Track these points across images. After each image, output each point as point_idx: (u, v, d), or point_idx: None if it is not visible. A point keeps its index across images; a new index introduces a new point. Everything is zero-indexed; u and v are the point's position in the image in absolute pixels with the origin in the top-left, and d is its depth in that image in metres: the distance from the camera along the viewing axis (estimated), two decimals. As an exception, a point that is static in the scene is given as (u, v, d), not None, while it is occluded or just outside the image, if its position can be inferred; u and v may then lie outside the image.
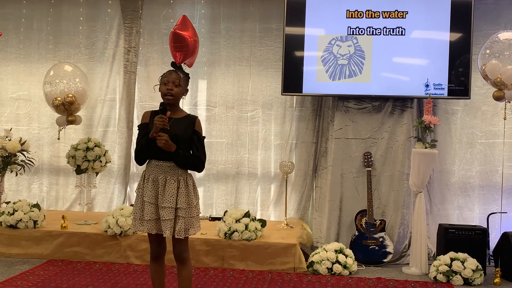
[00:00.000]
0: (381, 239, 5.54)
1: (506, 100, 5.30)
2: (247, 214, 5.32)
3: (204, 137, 3.55)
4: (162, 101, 3.45)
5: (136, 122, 6.53)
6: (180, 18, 5.75)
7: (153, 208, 3.41)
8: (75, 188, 5.98)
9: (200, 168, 3.49)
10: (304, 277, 4.98)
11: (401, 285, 4.85)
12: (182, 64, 5.62)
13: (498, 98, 5.31)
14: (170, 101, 3.45)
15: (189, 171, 3.51)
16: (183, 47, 5.52)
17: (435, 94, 5.62)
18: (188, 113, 3.61)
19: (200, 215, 3.57)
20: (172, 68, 3.55)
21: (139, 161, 3.51)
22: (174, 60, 5.74)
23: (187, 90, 3.58)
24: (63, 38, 6.66)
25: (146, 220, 3.41)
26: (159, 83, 3.52)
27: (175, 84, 3.44)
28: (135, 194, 6.66)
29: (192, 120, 3.50)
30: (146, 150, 3.42)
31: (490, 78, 5.27)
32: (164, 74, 3.51)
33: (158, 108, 3.38)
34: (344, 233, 5.82)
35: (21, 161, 5.69)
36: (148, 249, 5.14)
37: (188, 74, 3.60)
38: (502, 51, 5.23)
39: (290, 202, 6.21)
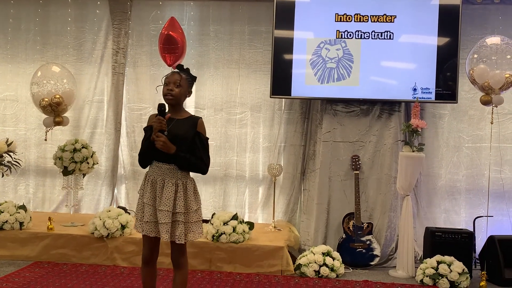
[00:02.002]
0: (368, 242, 5.55)
1: (493, 105, 5.35)
2: (235, 217, 5.32)
3: (208, 138, 3.48)
4: (159, 102, 3.40)
5: (124, 124, 6.50)
6: (168, 20, 5.75)
7: (151, 210, 3.37)
8: (62, 189, 5.94)
9: (203, 170, 3.44)
10: (291, 280, 4.98)
11: (388, 288, 4.88)
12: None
13: (485, 103, 5.36)
14: (171, 102, 3.42)
15: (191, 175, 3.47)
16: (175, 49, 5.51)
17: (422, 98, 5.65)
18: (192, 114, 3.56)
19: (201, 220, 3.51)
20: (176, 70, 3.50)
21: (142, 164, 3.47)
22: (164, 62, 5.76)
23: (190, 92, 3.53)
24: (51, 38, 6.61)
25: (145, 222, 3.38)
26: (162, 84, 3.48)
27: (176, 84, 3.39)
28: (123, 195, 6.67)
29: (195, 121, 3.44)
30: (148, 152, 3.39)
31: (478, 83, 5.32)
32: (166, 75, 3.47)
33: (163, 105, 3.34)
34: (331, 236, 5.83)
35: (8, 162, 5.64)
36: (135, 251, 5.17)
37: (194, 77, 3.56)
38: (489, 56, 5.28)
39: (278, 205, 6.21)
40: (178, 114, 3.46)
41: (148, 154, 3.40)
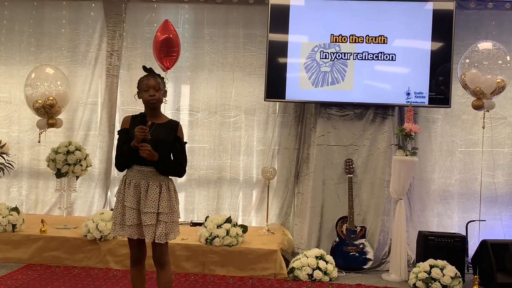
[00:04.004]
0: (361, 246, 5.56)
1: (485, 109, 5.38)
2: (228, 220, 5.31)
3: (186, 142, 3.56)
4: (142, 106, 3.45)
5: (118, 126, 6.48)
6: (162, 23, 5.75)
7: (134, 214, 3.39)
8: (55, 192, 5.92)
9: (181, 174, 3.51)
10: (284, 283, 4.98)
11: (381, 292, 4.89)
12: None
13: (477, 107, 5.39)
14: (155, 105, 3.46)
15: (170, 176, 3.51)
16: (172, 52, 5.52)
17: (416, 102, 5.67)
18: (170, 118, 3.61)
19: (179, 220, 3.57)
20: (145, 73, 3.53)
21: (120, 168, 3.49)
22: (161, 65, 5.76)
23: (165, 91, 3.58)
24: (45, 40, 6.60)
25: (128, 226, 3.39)
26: (137, 91, 3.51)
27: (156, 89, 3.43)
28: (115, 198, 6.62)
29: (175, 126, 3.50)
30: (128, 157, 3.40)
31: (469, 87, 5.35)
32: (141, 80, 3.49)
33: (144, 113, 3.36)
34: (325, 240, 5.84)
35: (1, 164, 5.62)
36: (128, 254, 5.12)
37: (162, 76, 3.59)
38: (481, 61, 5.32)
39: (272, 208, 6.21)
40: (158, 118, 3.51)
41: (128, 159, 3.42)
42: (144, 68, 3.56)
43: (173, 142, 3.45)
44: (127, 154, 3.39)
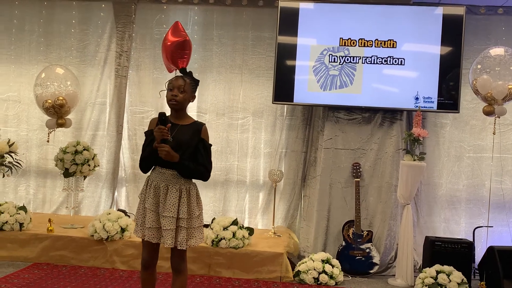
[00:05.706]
0: (367, 250, 5.55)
1: (496, 115, 5.35)
2: (234, 222, 5.31)
3: (211, 145, 3.46)
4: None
5: (126, 126, 6.51)
6: (173, 24, 5.75)
7: (154, 216, 3.35)
8: (63, 191, 5.93)
9: (205, 177, 3.42)
10: (290, 286, 4.97)
11: (387, 297, 4.87)
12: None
13: (488, 113, 5.36)
14: (175, 107, 3.40)
15: (193, 180, 3.46)
16: (184, 54, 5.52)
17: (424, 107, 5.66)
18: (196, 120, 3.54)
19: (203, 225, 3.50)
20: (179, 74, 3.47)
21: (144, 169, 3.45)
22: (173, 67, 5.75)
23: (194, 96, 3.50)
24: (55, 40, 6.63)
25: (147, 228, 3.36)
26: (165, 89, 3.45)
27: (180, 90, 3.37)
28: (123, 198, 6.64)
29: (199, 128, 3.42)
30: (150, 158, 3.37)
31: (480, 93, 5.32)
32: (170, 80, 3.44)
33: (164, 113, 3.32)
34: (331, 243, 5.83)
35: (9, 162, 5.64)
36: (134, 254, 5.17)
37: (197, 80, 3.53)
38: (493, 67, 5.29)
39: (278, 211, 6.21)
40: (182, 120, 3.44)
41: (150, 161, 3.39)
42: (182, 70, 3.49)
43: (197, 144, 3.37)
44: (148, 156, 3.37)
